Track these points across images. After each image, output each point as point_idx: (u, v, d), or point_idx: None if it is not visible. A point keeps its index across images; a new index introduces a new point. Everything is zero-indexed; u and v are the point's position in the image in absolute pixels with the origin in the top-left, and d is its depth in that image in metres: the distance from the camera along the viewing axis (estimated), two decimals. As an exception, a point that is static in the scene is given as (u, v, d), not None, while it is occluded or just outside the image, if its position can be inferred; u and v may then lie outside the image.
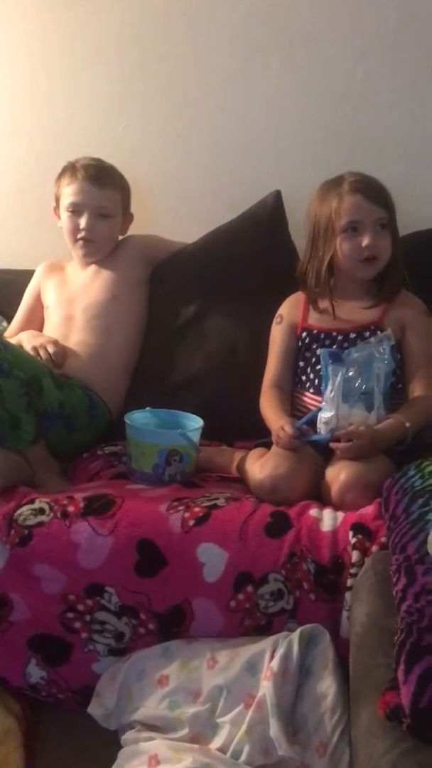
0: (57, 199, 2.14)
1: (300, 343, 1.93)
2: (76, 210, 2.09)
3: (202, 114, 2.24)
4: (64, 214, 2.11)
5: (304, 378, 1.92)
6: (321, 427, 1.77)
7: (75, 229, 2.10)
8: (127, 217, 2.18)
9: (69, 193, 2.09)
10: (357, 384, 1.77)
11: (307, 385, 1.91)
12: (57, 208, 2.15)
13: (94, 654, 1.54)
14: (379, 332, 1.85)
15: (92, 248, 2.13)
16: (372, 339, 1.83)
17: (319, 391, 1.84)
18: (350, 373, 1.77)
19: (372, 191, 1.83)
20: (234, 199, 2.17)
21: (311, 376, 1.89)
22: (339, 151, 2.15)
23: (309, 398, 1.90)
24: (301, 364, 1.93)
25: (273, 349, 1.98)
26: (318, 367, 1.86)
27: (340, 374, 1.77)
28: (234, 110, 2.22)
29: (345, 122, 2.18)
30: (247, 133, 2.23)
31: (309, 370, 1.90)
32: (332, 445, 1.69)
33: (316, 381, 1.85)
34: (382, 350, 1.79)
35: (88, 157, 2.12)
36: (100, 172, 2.10)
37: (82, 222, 2.09)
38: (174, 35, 2.20)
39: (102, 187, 2.09)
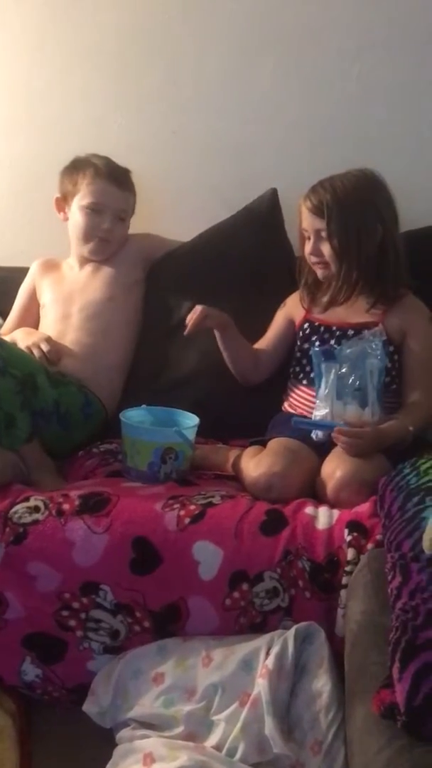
0: (67, 194, 2.11)
1: (301, 334, 1.96)
2: (97, 210, 2.08)
3: (197, 112, 2.24)
4: (80, 212, 2.08)
5: (298, 369, 1.93)
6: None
7: (94, 228, 2.09)
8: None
9: (91, 191, 2.07)
10: (350, 381, 1.78)
11: (301, 376, 1.92)
12: (64, 201, 2.13)
13: (89, 652, 1.53)
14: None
15: (105, 248, 2.13)
16: (365, 333, 1.84)
17: (312, 384, 1.85)
18: (343, 370, 1.78)
19: (314, 203, 1.87)
20: (230, 197, 2.17)
21: (307, 368, 1.90)
22: (335, 149, 2.15)
23: (302, 391, 1.91)
24: (298, 354, 1.94)
25: (270, 326, 2.04)
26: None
27: (333, 371, 1.78)
28: (230, 108, 2.22)
29: (341, 120, 2.19)
30: (243, 131, 2.23)
31: (305, 362, 1.91)
32: (334, 436, 1.69)
33: (312, 374, 1.86)
34: (374, 346, 1.79)
35: (100, 156, 2.11)
36: (122, 175, 2.11)
37: (104, 223, 2.08)
38: (170, 33, 2.20)
39: (123, 190, 2.10)
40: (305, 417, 1.84)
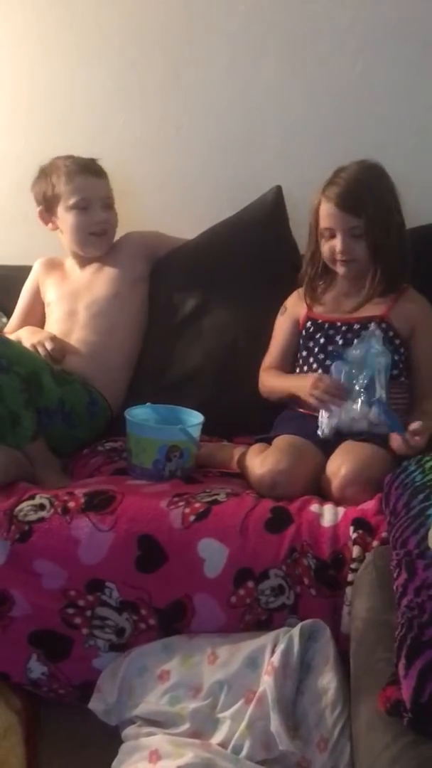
0: (50, 202, 2.09)
1: (304, 332, 1.94)
2: (85, 206, 2.06)
3: (201, 109, 2.24)
4: (69, 213, 2.06)
5: (306, 369, 1.92)
6: (323, 423, 1.77)
7: (88, 225, 2.08)
8: None
9: (73, 190, 2.05)
10: (359, 380, 1.77)
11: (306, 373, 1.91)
12: (48, 212, 2.10)
13: (94, 649, 1.54)
14: (383, 325, 1.85)
15: (104, 241, 2.12)
16: (369, 326, 1.83)
17: None
18: (352, 371, 1.78)
19: (346, 200, 1.83)
20: (234, 195, 2.17)
21: (314, 366, 1.89)
22: (339, 146, 2.14)
23: None
24: (304, 353, 1.93)
25: (275, 338, 2.01)
26: (320, 356, 1.89)
27: (343, 372, 1.78)
28: (234, 105, 2.22)
29: (344, 117, 2.18)
30: (248, 129, 2.23)
31: (312, 360, 1.91)
32: (393, 442, 1.68)
33: (320, 371, 1.86)
34: (378, 344, 1.79)
35: (62, 156, 2.09)
36: (93, 165, 2.09)
37: (96, 215, 2.07)
38: (173, 30, 2.20)
39: (101, 178, 2.10)
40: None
